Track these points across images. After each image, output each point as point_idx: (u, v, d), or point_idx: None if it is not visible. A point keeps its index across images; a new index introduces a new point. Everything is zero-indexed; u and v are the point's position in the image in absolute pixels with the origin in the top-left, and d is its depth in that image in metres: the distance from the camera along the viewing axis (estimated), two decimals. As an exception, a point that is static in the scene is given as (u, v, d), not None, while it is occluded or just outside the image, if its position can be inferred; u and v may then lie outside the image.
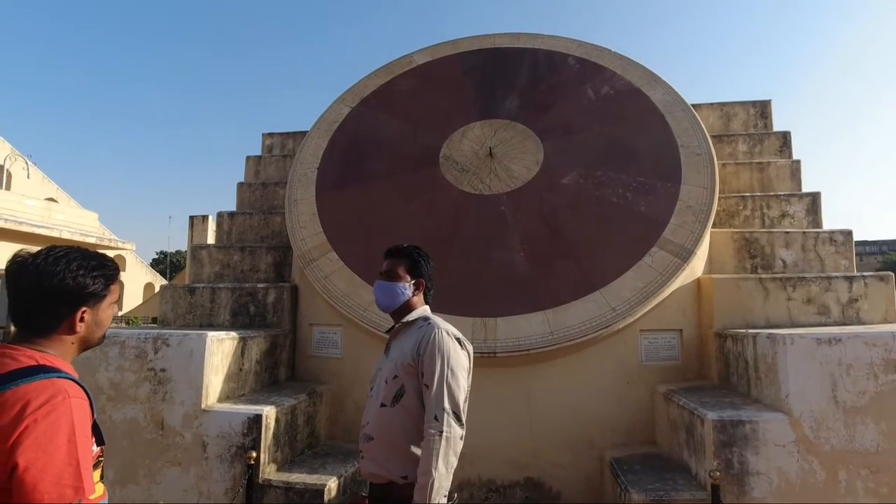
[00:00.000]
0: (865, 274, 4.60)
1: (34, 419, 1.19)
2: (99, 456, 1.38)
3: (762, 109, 6.75)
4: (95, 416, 1.36)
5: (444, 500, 1.96)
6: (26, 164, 20.26)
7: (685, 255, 4.59)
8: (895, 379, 3.26)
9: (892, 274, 4.61)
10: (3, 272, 1.54)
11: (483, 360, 3.95)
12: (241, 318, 5.21)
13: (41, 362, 1.30)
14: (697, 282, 4.79)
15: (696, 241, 4.65)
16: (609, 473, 4.08)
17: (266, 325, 5.12)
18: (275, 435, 3.96)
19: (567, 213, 5.09)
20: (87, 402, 1.32)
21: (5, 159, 19.55)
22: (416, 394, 2.09)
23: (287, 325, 5.15)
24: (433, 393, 2.02)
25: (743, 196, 5.74)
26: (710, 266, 5.09)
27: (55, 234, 15.81)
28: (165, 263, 39.55)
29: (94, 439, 1.34)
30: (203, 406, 3.85)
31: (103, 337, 1.49)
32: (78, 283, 1.37)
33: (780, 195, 5.72)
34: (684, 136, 5.37)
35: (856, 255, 5.24)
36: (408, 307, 2.27)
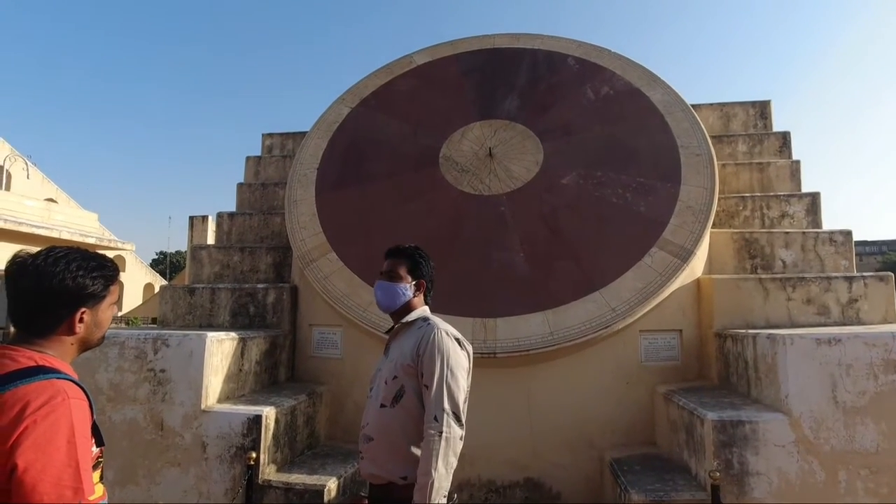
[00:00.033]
0: (865, 274, 4.60)
1: (33, 420, 1.19)
2: (98, 457, 1.38)
3: (762, 110, 6.75)
4: (95, 416, 1.36)
5: (444, 501, 1.96)
6: (26, 164, 20.24)
7: (685, 256, 4.59)
8: (895, 379, 3.27)
9: (892, 274, 4.61)
10: (3, 273, 1.54)
11: (483, 361, 3.95)
12: (241, 319, 5.21)
13: (40, 363, 1.29)
14: (697, 282, 4.78)
15: (696, 241, 4.66)
16: (609, 474, 4.08)
17: (266, 326, 5.12)
18: (274, 435, 3.96)
19: (567, 214, 5.09)
20: (86, 403, 1.32)
21: (5, 160, 19.54)
22: (415, 394, 2.09)
23: (287, 326, 5.15)
24: (433, 393, 2.02)
25: (743, 196, 5.74)
26: (710, 266, 5.09)
27: (55, 234, 15.78)
28: (165, 264, 39.52)
29: (93, 440, 1.33)
30: (203, 407, 3.85)
31: (103, 338, 1.49)
32: (77, 284, 1.37)
33: (780, 195, 5.72)
34: (684, 136, 5.37)
35: (855, 255, 5.24)
36: (408, 308, 2.27)
